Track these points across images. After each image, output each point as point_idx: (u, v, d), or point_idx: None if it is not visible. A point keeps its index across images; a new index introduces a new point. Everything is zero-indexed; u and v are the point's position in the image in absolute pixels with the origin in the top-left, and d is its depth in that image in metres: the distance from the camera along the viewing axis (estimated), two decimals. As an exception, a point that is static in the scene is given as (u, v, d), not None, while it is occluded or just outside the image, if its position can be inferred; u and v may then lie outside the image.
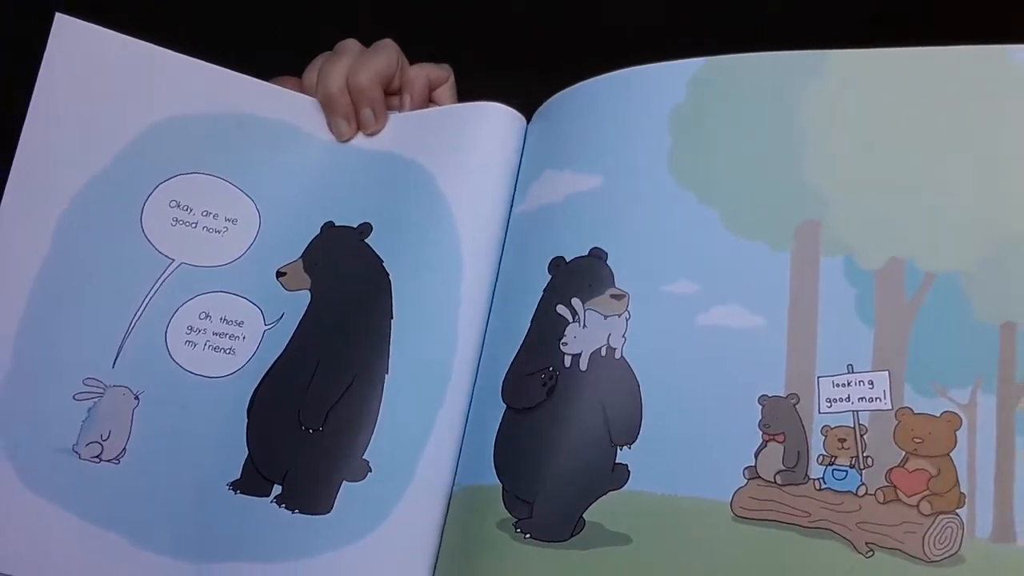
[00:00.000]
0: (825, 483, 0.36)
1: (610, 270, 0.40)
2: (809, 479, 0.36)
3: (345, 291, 0.44)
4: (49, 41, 0.43)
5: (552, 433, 0.38)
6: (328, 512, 0.40)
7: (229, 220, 0.45)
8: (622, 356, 0.39)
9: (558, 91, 0.45)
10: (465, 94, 0.49)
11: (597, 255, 0.41)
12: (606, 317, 0.40)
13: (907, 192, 0.38)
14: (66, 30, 0.43)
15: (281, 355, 0.43)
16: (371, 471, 0.40)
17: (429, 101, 0.49)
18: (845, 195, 0.38)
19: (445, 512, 0.41)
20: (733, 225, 0.39)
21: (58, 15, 0.43)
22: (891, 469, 0.36)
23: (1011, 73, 0.37)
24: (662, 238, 0.40)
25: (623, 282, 0.40)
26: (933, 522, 0.34)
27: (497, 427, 0.40)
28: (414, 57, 0.49)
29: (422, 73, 0.48)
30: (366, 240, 0.45)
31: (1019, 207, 0.36)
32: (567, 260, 0.41)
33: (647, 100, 0.42)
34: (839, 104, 0.39)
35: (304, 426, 0.42)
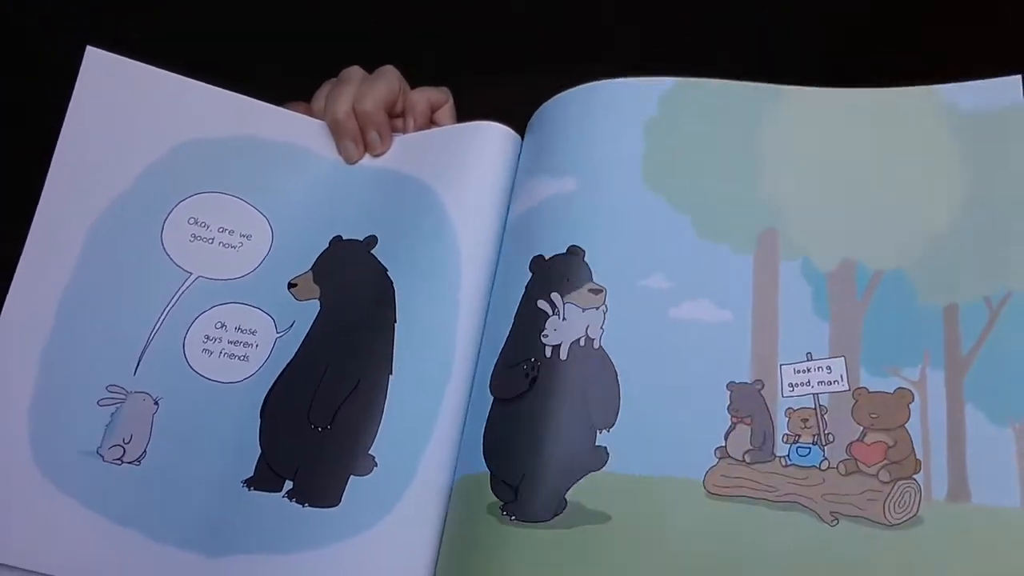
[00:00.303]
0: (790, 460, 0.39)
1: (587, 266, 0.43)
2: (775, 457, 0.39)
3: (352, 300, 0.46)
4: (80, 71, 0.46)
5: (535, 420, 0.40)
6: (337, 505, 0.41)
7: (244, 236, 0.47)
8: (600, 346, 0.41)
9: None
10: (471, 96, 0.52)
11: (575, 252, 0.43)
12: (584, 310, 0.42)
13: (854, 204, 0.42)
14: (96, 61, 0.46)
15: (292, 360, 0.45)
16: (377, 466, 0.42)
17: (430, 122, 0.52)
18: (799, 207, 0.43)
19: (446, 503, 0.42)
20: (702, 230, 0.43)
21: (89, 48, 0.46)
22: (851, 443, 0.38)
23: (938, 108, 0.43)
24: (637, 237, 0.43)
25: (600, 277, 0.43)
26: (892, 488, 0.37)
27: (486, 418, 0.41)
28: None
29: (423, 97, 0.51)
30: (372, 252, 0.47)
31: (946, 212, 0.41)
32: (546, 258, 0.43)
33: (623, 111, 0.45)
34: (791, 130, 0.44)
35: (313, 425, 0.43)
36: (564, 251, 0.43)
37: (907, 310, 0.40)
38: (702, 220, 0.43)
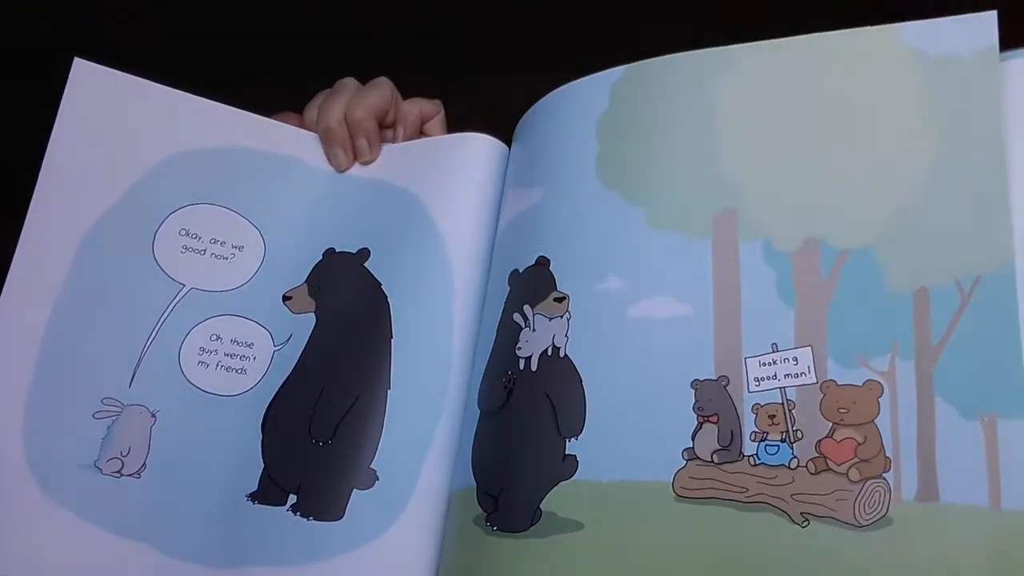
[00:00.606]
0: (759, 459, 0.38)
1: (552, 275, 0.43)
2: (744, 456, 0.38)
3: (348, 313, 0.47)
4: (68, 83, 0.46)
5: (510, 432, 0.42)
6: (340, 518, 0.43)
7: (236, 247, 0.48)
8: (565, 354, 0.42)
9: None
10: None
11: (542, 263, 0.43)
12: (551, 319, 0.43)
13: (816, 175, 0.39)
14: (83, 73, 0.46)
15: (291, 374, 0.47)
16: (379, 479, 0.43)
17: (421, 133, 0.53)
18: (759, 183, 0.40)
19: (445, 514, 0.44)
20: (656, 220, 0.41)
21: (76, 60, 0.46)
22: (820, 440, 0.37)
23: (901, 53, 0.38)
24: (592, 239, 0.42)
25: (563, 284, 0.43)
26: (862, 488, 0.35)
27: (474, 431, 0.43)
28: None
29: (415, 108, 0.52)
30: (365, 264, 0.48)
31: (913, 181, 0.37)
32: (520, 271, 0.44)
33: (577, 112, 0.44)
34: (750, 96, 0.40)
35: (315, 439, 0.45)
36: (534, 262, 0.44)
37: (875, 294, 0.36)
38: (655, 210, 0.41)
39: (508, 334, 0.44)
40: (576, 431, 0.40)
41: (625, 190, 0.42)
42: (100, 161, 0.46)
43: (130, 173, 0.46)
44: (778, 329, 0.38)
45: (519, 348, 0.43)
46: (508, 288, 0.44)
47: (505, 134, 0.50)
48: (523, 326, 0.43)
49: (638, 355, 0.40)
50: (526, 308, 0.43)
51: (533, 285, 0.43)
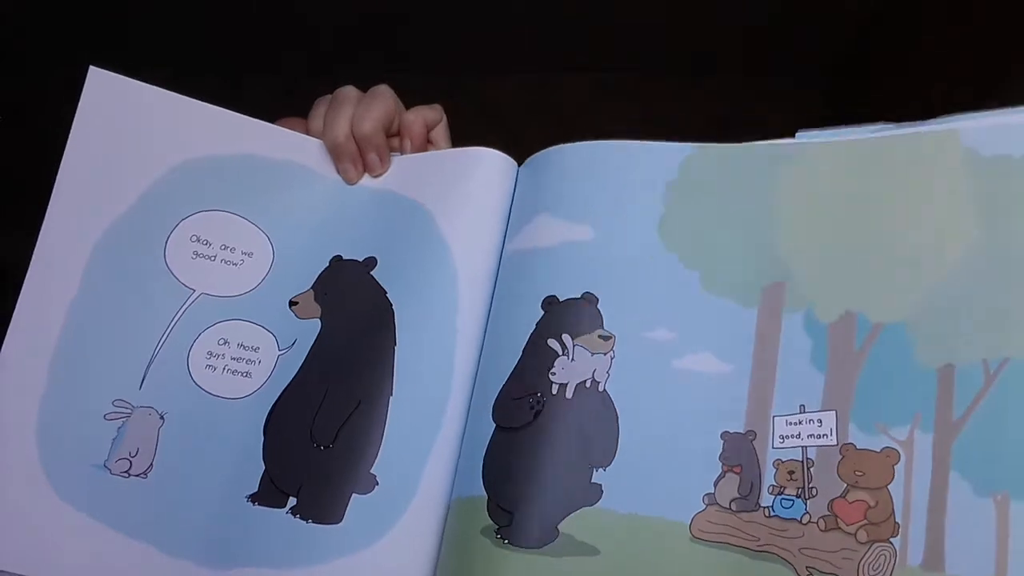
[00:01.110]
0: (774, 511, 0.40)
1: (599, 313, 0.46)
2: (760, 507, 0.40)
3: (352, 320, 0.48)
4: (83, 91, 0.47)
5: (536, 451, 0.43)
6: (339, 522, 0.43)
7: (246, 253, 0.49)
8: (604, 389, 0.44)
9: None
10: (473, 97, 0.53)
11: (588, 299, 0.46)
12: (593, 354, 0.45)
13: (863, 254, 0.42)
14: (99, 81, 0.47)
15: (294, 378, 0.47)
16: (378, 484, 0.44)
17: (426, 141, 0.54)
18: (808, 260, 0.43)
19: (444, 522, 0.45)
20: (709, 285, 0.44)
21: (92, 68, 0.47)
22: (833, 500, 0.39)
23: (957, 153, 0.42)
24: (647, 291, 0.45)
25: (610, 325, 0.45)
26: (868, 550, 0.38)
27: (486, 443, 0.45)
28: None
29: (419, 117, 0.53)
30: (371, 273, 0.49)
31: (950, 262, 0.40)
32: (559, 300, 0.46)
33: (646, 172, 0.47)
34: (806, 185, 0.44)
35: (316, 443, 0.45)
36: (578, 296, 0.46)
37: (903, 367, 0.39)
38: (710, 275, 0.44)
39: (539, 357, 0.46)
40: (606, 462, 0.42)
41: (684, 253, 0.45)
42: (114, 168, 0.47)
43: (143, 180, 0.47)
44: (808, 392, 0.41)
45: (553, 373, 0.45)
46: (542, 312, 0.47)
47: (499, 134, 0.52)
48: (560, 353, 0.45)
49: (676, 402, 0.43)
50: (565, 337, 0.45)
51: (577, 317, 0.46)
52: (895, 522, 0.37)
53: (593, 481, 0.42)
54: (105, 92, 0.47)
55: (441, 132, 0.55)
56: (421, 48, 0.53)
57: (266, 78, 0.54)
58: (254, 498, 0.45)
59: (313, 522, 0.44)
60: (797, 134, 0.47)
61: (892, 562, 0.37)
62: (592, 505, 0.42)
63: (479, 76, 0.55)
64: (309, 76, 0.55)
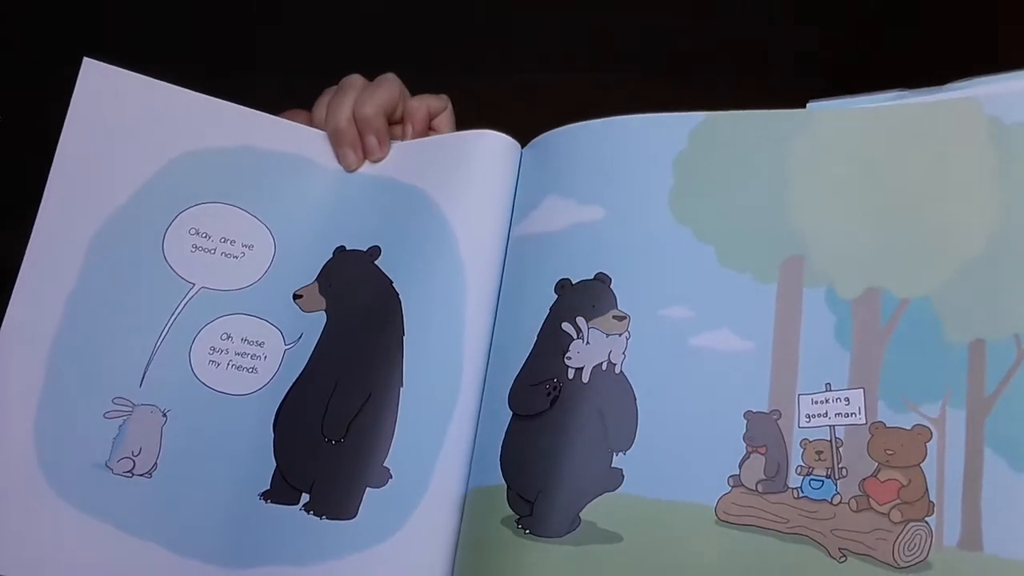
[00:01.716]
0: (803, 492, 0.39)
1: (613, 294, 0.44)
2: (788, 488, 0.39)
3: (359, 311, 0.47)
4: (77, 82, 0.45)
5: (554, 438, 0.42)
6: (354, 517, 0.42)
7: (246, 246, 0.48)
8: (621, 371, 0.43)
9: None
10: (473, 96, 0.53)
11: (602, 279, 0.45)
12: (608, 336, 0.44)
13: (883, 228, 0.41)
14: (93, 72, 0.46)
15: (302, 373, 0.46)
16: (392, 478, 0.43)
17: (430, 129, 0.53)
18: (826, 233, 0.42)
19: (461, 512, 0.44)
20: (726, 260, 0.43)
21: (86, 59, 0.46)
22: (864, 479, 0.38)
23: (980, 122, 0.40)
24: (661, 268, 0.44)
25: (624, 305, 0.44)
26: (903, 529, 0.37)
27: (503, 432, 0.44)
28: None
29: (423, 104, 0.52)
30: (376, 262, 0.48)
31: (978, 235, 0.39)
32: (572, 282, 0.45)
33: (653, 145, 0.46)
34: (821, 155, 0.43)
35: (327, 438, 0.45)
36: (591, 277, 0.45)
37: (931, 343, 0.38)
38: (726, 250, 0.43)
39: (554, 341, 0.44)
40: (626, 446, 0.41)
41: (698, 227, 0.44)
42: (110, 160, 0.46)
43: (140, 172, 0.46)
44: (833, 370, 0.40)
45: (568, 358, 0.44)
46: (555, 296, 0.45)
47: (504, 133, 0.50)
48: (575, 337, 0.44)
49: (695, 382, 0.41)
50: (580, 320, 0.44)
51: (591, 299, 0.44)
52: (929, 501, 0.37)
53: (613, 466, 0.41)
54: (100, 83, 0.46)
55: (445, 120, 0.54)
56: (421, 48, 0.51)
57: (268, 80, 0.52)
58: (267, 496, 0.44)
59: (327, 518, 0.43)
60: (808, 104, 0.46)
61: (928, 542, 0.36)
62: (613, 491, 0.41)
63: (479, 76, 0.53)
64: (309, 75, 0.53)
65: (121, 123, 0.46)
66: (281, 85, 0.54)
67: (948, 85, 0.42)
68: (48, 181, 0.45)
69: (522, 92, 0.48)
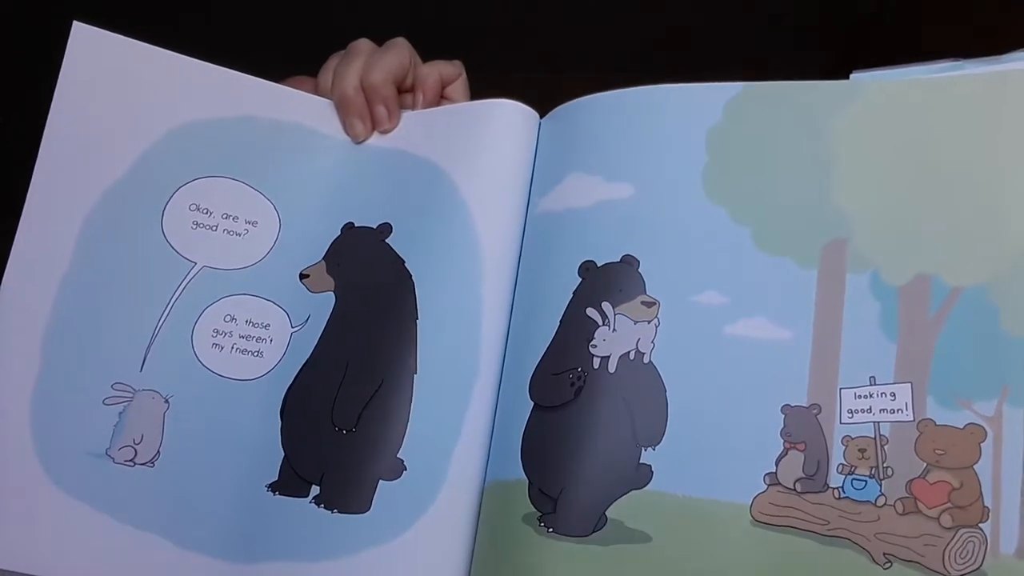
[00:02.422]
0: (844, 492, 0.37)
1: (641, 277, 0.42)
2: (828, 487, 0.37)
3: (369, 292, 0.45)
4: (67, 49, 0.43)
5: (578, 431, 0.40)
6: (367, 511, 0.41)
7: (249, 223, 0.45)
8: (650, 361, 0.40)
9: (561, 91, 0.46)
10: (476, 93, 0.50)
11: (629, 262, 0.42)
12: (636, 322, 0.41)
13: (934, 210, 0.38)
14: (83, 38, 0.43)
15: (310, 357, 0.44)
16: (406, 470, 0.41)
17: (442, 98, 0.50)
18: (871, 215, 0.39)
19: (478, 506, 0.42)
20: (763, 242, 0.40)
21: (76, 23, 0.43)
22: (912, 480, 0.36)
23: None
24: (694, 250, 0.41)
25: (654, 290, 0.41)
26: (954, 536, 0.34)
27: (524, 424, 0.41)
28: (427, 55, 0.50)
29: (434, 71, 0.49)
30: (387, 240, 0.45)
31: None
32: (598, 264, 0.42)
33: (685, 119, 0.43)
34: (867, 130, 0.40)
35: (337, 427, 0.42)
36: (618, 259, 0.42)
37: (987, 335, 0.36)
38: (763, 232, 0.40)
39: (578, 328, 0.42)
40: (655, 441, 0.39)
41: (733, 207, 0.41)
42: (103, 132, 0.43)
43: (136, 144, 0.44)
44: (878, 362, 0.37)
45: (593, 345, 0.41)
46: (579, 279, 0.43)
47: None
48: (600, 323, 0.41)
49: (730, 373, 0.39)
50: (605, 305, 0.41)
51: (618, 284, 0.42)
52: (984, 506, 0.34)
53: (642, 462, 0.39)
54: (91, 50, 0.43)
55: (459, 89, 0.50)
56: (421, 48, 0.48)
57: (268, 57, 0.50)
58: (274, 487, 0.42)
59: (338, 511, 0.41)
60: (852, 75, 0.43)
61: (983, 550, 0.34)
62: (642, 488, 0.39)
63: (479, 76, 0.51)
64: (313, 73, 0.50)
65: (115, 92, 0.44)
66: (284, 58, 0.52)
67: (1008, 55, 0.39)
68: (39, 155, 0.42)
69: (522, 92, 0.46)
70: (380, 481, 0.41)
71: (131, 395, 0.42)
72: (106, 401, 0.42)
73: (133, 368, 0.42)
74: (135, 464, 0.42)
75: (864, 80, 0.41)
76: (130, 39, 0.44)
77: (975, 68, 0.40)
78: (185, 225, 0.44)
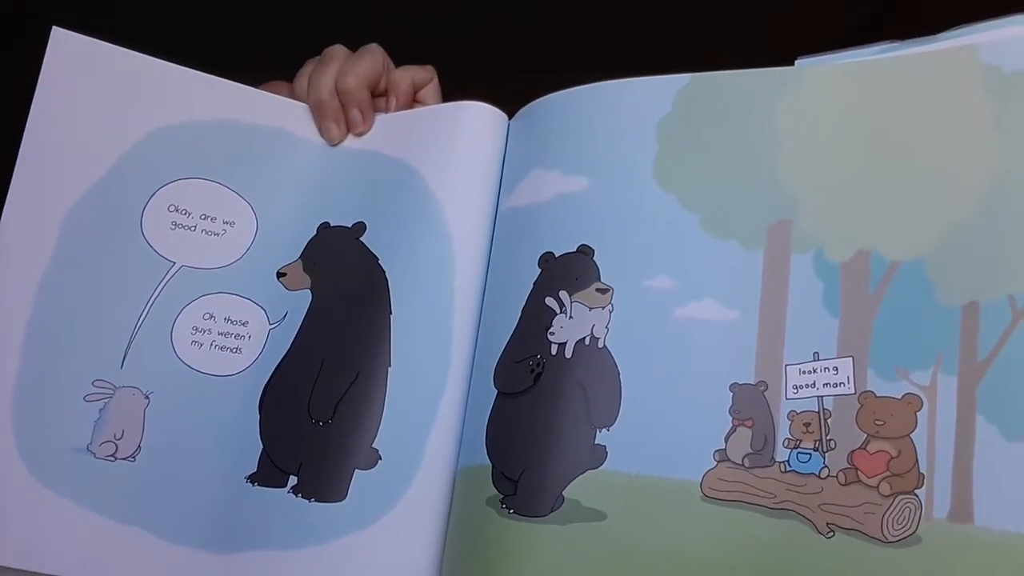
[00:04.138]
0: (790, 466, 0.38)
1: (596, 266, 0.43)
2: (775, 462, 0.38)
3: (344, 289, 0.46)
4: (47, 54, 0.44)
5: (537, 416, 0.41)
6: (343, 500, 0.42)
7: (227, 223, 0.47)
8: (604, 345, 0.42)
9: (532, 95, 0.48)
10: (447, 97, 0.52)
11: (584, 252, 0.43)
12: (591, 309, 0.42)
13: (873, 188, 0.39)
14: (63, 43, 0.44)
15: (288, 353, 0.46)
16: (381, 459, 0.43)
17: (414, 102, 0.51)
18: (814, 194, 0.40)
19: (451, 493, 0.44)
20: (710, 227, 0.41)
21: (55, 29, 0.44)
22: (853, 451, 0.37)
23: (978, 70, 0.38)
24: (645, 238, 0.42)
25: (608, 277, 0.43)
26: (892, 503, 0.35)
27: (489, 411, 0.43)
28: (400, 61, 0.52)
29: (407, 75, 0.51)
30: (361, 239, 0.47)
31: (972, 194, 0.37)
32: (556, 255, 0.44)
33: (636, 111, 0.44)
34: (810, 113, 0.41)
35: (314, 419, 0.44)
36: (574, 250, 0.44)
37: (923, 307, 0.37)
38: (711, 216, 0.41)
39: (537, 317, 0.43)
40: (609, 422, 0.40)
41: (683, 194, 0.42)
42: (82, 135, 0.44)
43: (114, 147, 0.45)
44: (821, 338, 0.38)
45: (551, 333, 0.43)
46: (539, 270, 0.44)
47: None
48: (557, 312, 0.43)
49: (680, 354, 0.40)
50: (563, 294, 0.43)
51: (573, 272, 0.43)
52: (919, 473, 0.35)
53: (597, 443, 0.40)
54: (71, 54, 0.45)
55: (431, 92, 0.53)
56: (420, 48, 0.50)
57: (247, 58, 0.52)
58: (253, 478, 0.44)
59: (316, 501, 0.43)
60: (797, 60, 0.44)
61: (917, 515, 0.35)
62: (597, 468, 0.40)
63: (479, 76, 0.52)
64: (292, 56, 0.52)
65: (94, 96, 0.45)
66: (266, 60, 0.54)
67: (943, 33, 0.40)
68: (18, 157, 0.43)
69: (522, 92, 0.47)
70: (356, 471, 0.43)
71: (112, 391, 0.43)
72: (87, 398, 0.43)
73: (113, 365, 0.44)
74: (116, 459, 0.43)
75: (806, 65, 0.42)
76: (109, 44, 0.46)
77: (912, 49, 0.40)
78: (164, 226, 0.46)
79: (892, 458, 0.36)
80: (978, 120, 0.37)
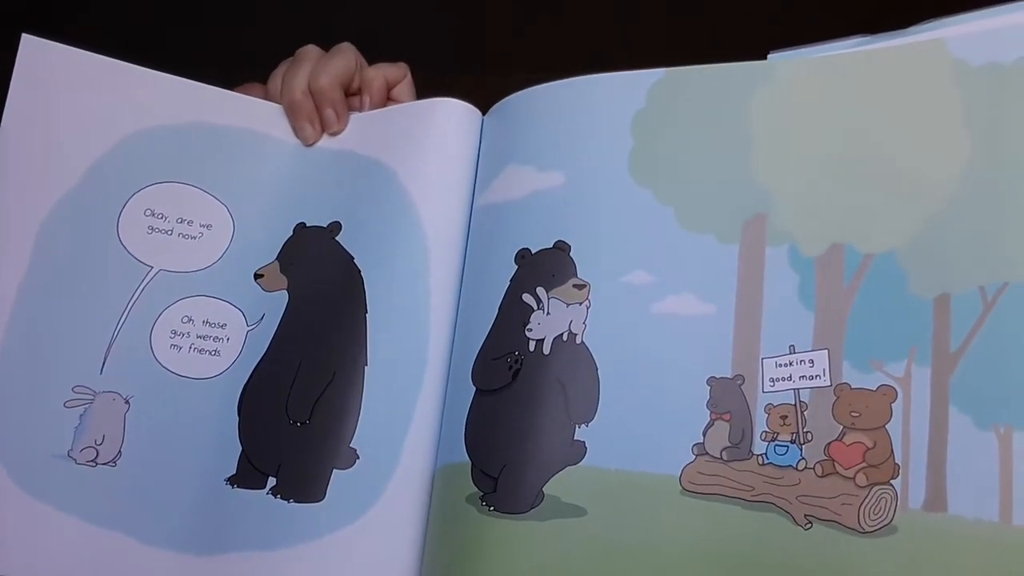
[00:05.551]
0: (768, 458, 0.38)
1: (573, 261, 0.43)
2: (753, 455, 0.38)
3: (321, 289, 0.46)
4: (17, 61, 0.44)
5: (516, 412, 0.41)
6: (321, 500, 0.42)
7: (204, 226, 0.47)
8: (582, 341, 0.42)
9: (506, 91, 0.48)
10: (421, 94, 0.52)
11: (561, 248, 0.43)
12: (568, 305, 0.42)
13: (846, 182, 0.39)
14: (33, 49, 0.44)
15: (265, 354, 0.46)
16: (359, 458, 0.43)
17: (388, 99, 0.51)
18: (789, 188, 0.40)
19: (430, 491, 0.44)
20: (686, 221, 0.41)
21: (24, 35, 0.44)
22: (830, 443, 0.37)
23: (947, 64, 0.38)
24: (621, 233, 0.42)
25: (584, 273, 0.43)
26: (868, 493, 0.35)
27: (467, 408, 0.43)
28: (374, 59, 0.52)
29: (380, 73, 0.50)
30: (337, 238, 0.47)
31: (943, 186, 0.37)
32: (532, 252, 0.44)
33: (611, 105, 0.44)
34: (784, 107, 0.41)
35: (292, 420, 0.44)
36: (551, 246, 0.44)
37: (896, 299, 0.37)
38: (686, 210, 0.42)
39: (515, 313, 0.43)
40: (588, 418, 0.40)
41: (658, 188, 0.42)
42: (56, 142, 0.44)
43: (88, 153, 0.45)
44: (797, 332, 0.38)
45: (529, 329, 0.43)
46: (515, 267, 0.44)
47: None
48: (535, 308, 0.43)
49: (657, 349, 0.40)
50: (539, 290, 0.43)
51: (550, 269, 0.43)
52: (895, 463, 0.35)
53: (576, 439, 0.40)
54: (41, 61, 0.44)
55: (405, 90, 0.52)
56: (420, 48, 0.50)
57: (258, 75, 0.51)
58: (233, 480, 0.44)
59: (294, 501, 0.43)
60: (770, 55, 0.44)
61: (893, 505, 0.35)
62: (576, 464, 0.40)
63: (478, 76, 0.52)
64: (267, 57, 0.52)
65: (66, 102, 0.45)
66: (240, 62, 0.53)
67: (913, 27, 0.40)
68: None
69: (478, 91, 0.47)
70: (334, 471, 0.43)
71: (92, 397, 0.43)
72: (67, 404, 0.43)
73: (93, 370, 0.44)
74: (97, 464, 0.43)
75: (779, 60, 0.42)
76: (79, 50, 0.45)
77: (884, 42, 0.41)
78: (141, 230, 0.45)
79: (868, 449, 0.36)
80: (948, 114, 0.38)
